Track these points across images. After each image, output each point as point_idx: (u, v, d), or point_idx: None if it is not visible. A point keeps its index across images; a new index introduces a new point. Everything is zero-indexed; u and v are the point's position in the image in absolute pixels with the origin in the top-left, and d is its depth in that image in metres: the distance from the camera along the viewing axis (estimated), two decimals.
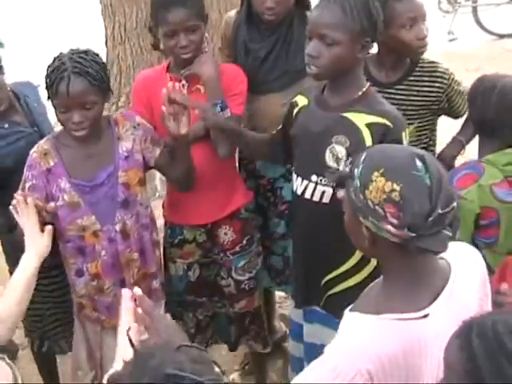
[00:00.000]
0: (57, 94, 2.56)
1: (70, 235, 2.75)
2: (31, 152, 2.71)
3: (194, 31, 2.84)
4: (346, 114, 2.48)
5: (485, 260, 2.61)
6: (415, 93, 3.00)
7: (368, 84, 2.55)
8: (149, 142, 2.80)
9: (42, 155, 2.69)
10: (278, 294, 3.95)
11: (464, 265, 1.82)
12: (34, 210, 2.57)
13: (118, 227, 2.75)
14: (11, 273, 3.15)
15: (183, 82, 2.93)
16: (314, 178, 2.58)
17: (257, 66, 3.08)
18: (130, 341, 1.50)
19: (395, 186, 1.63)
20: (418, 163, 1.67)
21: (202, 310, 3.32)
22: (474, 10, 8.25)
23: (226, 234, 3.16)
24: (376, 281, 1.89)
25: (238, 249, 3.18)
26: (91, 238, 2.75)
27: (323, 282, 2.66)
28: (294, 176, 2.68)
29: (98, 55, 2.67)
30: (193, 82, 2.95)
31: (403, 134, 2.45)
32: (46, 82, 2.60)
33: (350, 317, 1.77)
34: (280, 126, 2.80)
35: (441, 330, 1.64)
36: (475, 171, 2.68)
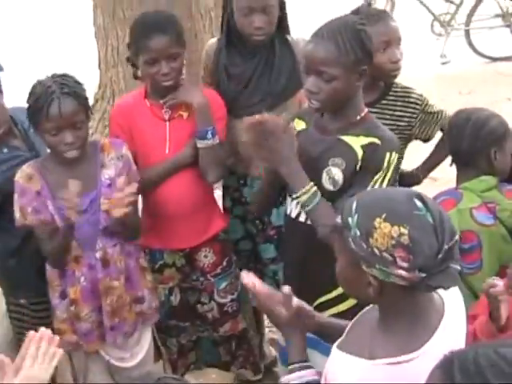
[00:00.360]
0: (48, 117, 2.59)
1: None
2: (16, 179, 2.71)
3: (175, 58, 2.87)
4: (343, 137, 2.50)
5: (471, 287, 2.63)
6: (388, 116, 3.01)
7: (366, 110, 2.56)
8: (123, 178, 2.79)
9: (27, 179, 2.71)
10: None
11: (452, 298, 1.78)
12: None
13: (98, 255, 2.75)
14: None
15: (165, 108, 2.96)
16: None
17: (239, 89, 3.10)
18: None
19: (402, 229, 1.59)
20: (418, 203, 1.64)
21: (185, 335, 3.30)
22: (467, 33, 8.29)
23: (206, 257, 3.16)
24: (363, 315, 1.85)
25: (218, 270, 3.18)
26: (72, 264, 2.76)
27: (314, 305, 2.64)
28: (289, 199, 2.68)
29: (75, 77, 2.72)
30: (175, 108, 2.98)
31: (387, 154, 2.45)
32: (32, 109, 2.63)
33: (340, 358, 1.73)
34: None
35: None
36: (453, 197, 2.72)
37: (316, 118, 2.61)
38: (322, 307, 2.60)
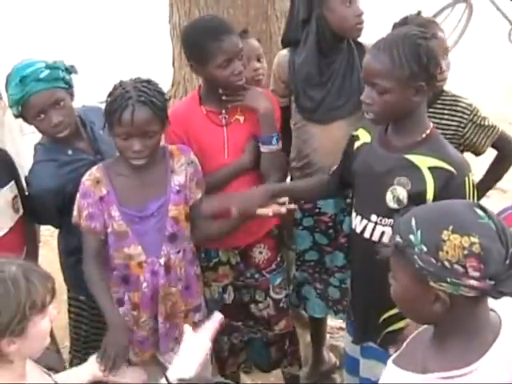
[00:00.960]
0: (120, 122, 2.57)
1: (117, 263, 2.76)
2: (83, 180, 2.72)
3: (243, 56, 2.91)
4: (408, 156, 2.47)
5: None
6: (435, 124, 2.93)
7: (431, 126, 2.53)
8: (194, 183, 2.81)
9: (94, 183, 2.71)
10: (330, 325, 3.91)
11: (508, 314, 1.76)
12: None
13: (162, 261, 2.75)
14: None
15: (223, 114, 2.96)
16: (373, 217, 2.57)
17: (323, 94, 3.10)
18: (167, 379, 1.52)
19: (472, 239, 1.60)
20: (479, 211, 1.65)
21: (237, 335, 3.32)
22: None
23: (261, 253, 3.17)
24: (419, 331, 1.85)
25: (273, 266, 3.20)
26: (136, 269, 2.75)
27: (381, 319, 2.63)
28: (354, 214, 2.68)
29: (158, 85, 2.68)
30: (231, 112, 2.98)
31: (466, 179, 2.42)
32: (108, 110, 2.62)
33: (393, 371, 1.74)
34: (340, 161, 2.80)
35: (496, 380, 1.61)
36: None
37: (380, 133, 2.59)
38: (389, 321, 2.59)
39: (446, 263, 1.61)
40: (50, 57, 2.96)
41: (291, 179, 3.35)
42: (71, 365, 3.15)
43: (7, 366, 1.95)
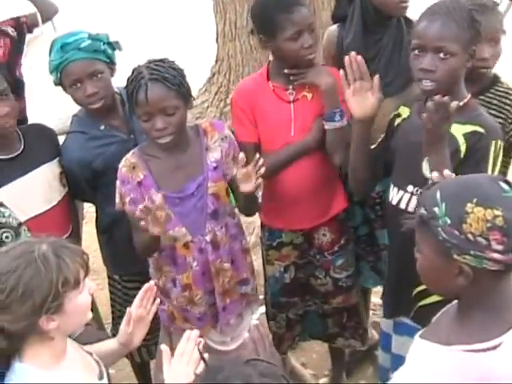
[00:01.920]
0: (137, 103, 2.57)
1: (164, 245, 2.75)
2: (120, 166, 2.72)
3: (313, 30, 2.84)
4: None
5: None
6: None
7: (469, 96, 2.50)
8: (230, 158, 2.78)
9: (130, 169, 2.70)
10: (373, 301, 3.90)
11: None
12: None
13: (208, 238, 2.74)
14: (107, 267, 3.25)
15: (290, 90, 2.93)
16: (410, 188, 2.55)
17: (370, 71, 3.03)
18: (201, 355, 1.53)
19: (496, 212, 1.60)
20: (503, 185, 1.66)
21: (293, 310, 3.31)
22: None
23: (325, 235, 3.14)
24: (448, 307, 1.86)
25: (336, 248, 3.16)
26: (182, 250, 2.74)
27: (414, 292, 2.61)
28: (391, 186, 2.66)
29: (174, 62, 2.67)
30: (299, 89, 2.94)
31: (493, 142, 2.39)
32: (127, 94, 2.63)
33: (419, 344, 1.76)
34: (381, 139, 2.76)
35: None
36: None
37: (419, 106, 2.56)
38: (422, 295, 2.58)
39: (470, 236, 1.62)
40: (96, 31, 2.99)
41: None
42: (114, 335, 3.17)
43: (48, 343, 1.97)
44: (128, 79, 2.63)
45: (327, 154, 2.97)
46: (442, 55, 2.38)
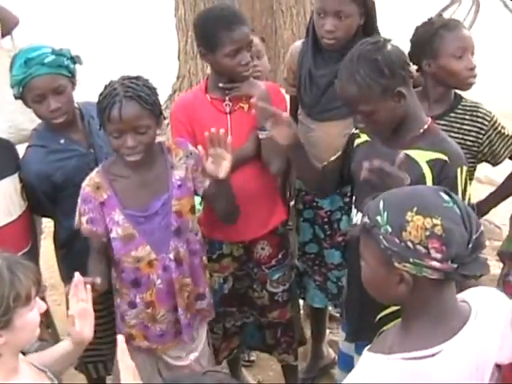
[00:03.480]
0: (109, 119, 2.56)
1: (125, 266, 2.74)
2: (83, 185, 2.71)
3: (251, 47, 2.92)
4: (408, 152, 2.47)
5: None
6: (456, 129, 2.93)
7: (430, 120, 2.53)
8: (199, 172, 2.79)
9: (94, 189, 2.69)
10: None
11: (488, 310, 1.78)
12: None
13: (172, 255, 2.74)
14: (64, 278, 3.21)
15: (227, 101, 2.98)
16: None
17: (320, 93, 3.09)
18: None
19: (435, 220, 1.64)
20: (444, 196, 1.70)
21: (230, 319, 3.33)
22: None
23: (263, 249, 3.17)
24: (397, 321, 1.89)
25: (273, 263, 3.20)
26: (146, 268, 2.74)
27: (378, 318, 2.63)
28: (354, 210, 2.68)
29: (148, 80, 2.67)
30: (236, 100, 2.99)
31: (458, 170, 2.43)
32: (98, 109, 2.62)
33: (364, 356, 1.78)
34: (337, 155, 2.79)
35: (454, 370, 1.65)
36: None
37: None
38: (384, 320, 2.59)
39: (409, 243, 1.65)
40: (57, 45, 2.97)
41: None
42: None
43: None
44: (101, 94, 2.62)
45: (265, 165, 3.03)
46: (364, 114, 2.45)
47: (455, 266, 1.64)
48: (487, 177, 5.48)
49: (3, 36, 3.84)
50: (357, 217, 2.64)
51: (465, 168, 2.46)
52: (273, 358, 3.58)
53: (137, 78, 2.64)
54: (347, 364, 2.86)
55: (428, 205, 1.67)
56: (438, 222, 1.64)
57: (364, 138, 2.66)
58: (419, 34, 2.94)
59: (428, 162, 2.43)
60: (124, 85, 2.57)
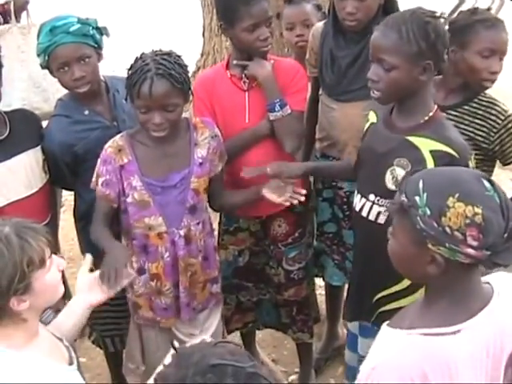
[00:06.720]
0: (139, 95, 2.57)
1: (136, 232, 2.78)
2: (106, 146, 2.73)
3: (270, 23, 2.92)
4: (410, 138, 2.45)
5: None
6: (467, 122, 2.88)
7: (436, 108, 2.50)
8: (217, 155, 2.82)
9: (116, 151, 2.71)
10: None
11: (510, 293, 1.80)
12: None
13: (182, 232, 2.76)
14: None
15: (244, 78, 3.00)
16: (371, 197, 2.58)
17: (341, 73, 3.09)
18: (172, 344, 1.56)
19: (476, 209, 1.63)
20: (486, 184, 1.69)
21: (245, 293, 3.36)
22: None
23: (280, 227, 3.20)
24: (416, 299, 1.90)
25: (290, 240, 3.23)
26: (155, 239, 2.77)
27: (376, 298, 2.65)
28: (356, 192, 2.69)
29: (180, 57, 2.67)
30: (252, 78, 3.00)
31: (469, 163, 2.40)
32: (128, 83, 2.62)
33: (383, 331, 1.79)
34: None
35: (473, 350, 1.67)
36: None
37: (385, 114, 2.58)
38: (383, 301, 2.63)
39: (447, 229, 1.65)
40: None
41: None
42: (88, 325, 3.11)
43: (22, 325, 1.98)
44: (131, 68, 2.62)
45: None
46: (384, 67, 2.40)
47: (489, 253, 1.65)
48: None
49: (18, 12, 3.85)
50: (356, 198, 2.66)
51: (473, 160, 2.44)
52: (287, 336, 3.60)
53: (169, 54, 2.64)
54: (353, 343, 2.90)
55: (470, 192, 1.66)
56: (479, 210, 1.63)
57: (371, 120, 2.65)
58: (458, 19, 2.90)
59: (432, 152, 2.41)
60: (156, 61, 2.57)
